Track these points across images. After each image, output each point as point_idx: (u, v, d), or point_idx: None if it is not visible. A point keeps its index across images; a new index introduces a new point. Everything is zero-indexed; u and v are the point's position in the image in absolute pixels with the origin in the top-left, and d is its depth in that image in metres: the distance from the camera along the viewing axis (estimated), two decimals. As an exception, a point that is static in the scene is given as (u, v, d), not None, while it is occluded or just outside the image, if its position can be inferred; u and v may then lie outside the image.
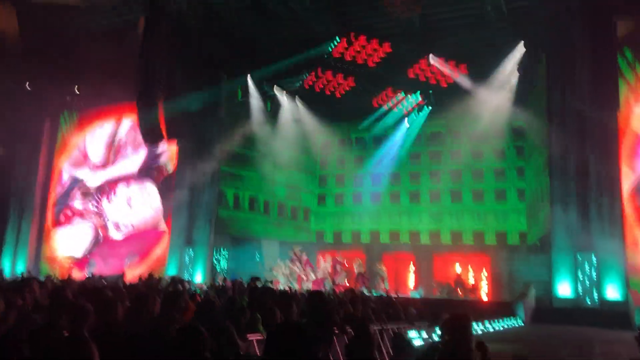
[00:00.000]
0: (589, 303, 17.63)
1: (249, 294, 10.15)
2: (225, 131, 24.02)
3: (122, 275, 19.49)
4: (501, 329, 15.68)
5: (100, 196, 26.45)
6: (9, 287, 7.29)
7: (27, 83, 27.22)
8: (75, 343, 4.10)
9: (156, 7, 20.19)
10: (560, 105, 19.12)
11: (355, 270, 23.67)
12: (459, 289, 22.51)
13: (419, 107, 26.94)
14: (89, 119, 27.61)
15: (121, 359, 4.40)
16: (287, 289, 17.28)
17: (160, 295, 5.45)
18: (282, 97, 26.43)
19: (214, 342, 4.61)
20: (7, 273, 24.70)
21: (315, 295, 6.12)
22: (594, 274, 17.70)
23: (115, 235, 25.66)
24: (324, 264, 23.60)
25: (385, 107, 27.03)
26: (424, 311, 15.71)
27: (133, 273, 22.54)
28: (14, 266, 25.90)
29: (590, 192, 18.14)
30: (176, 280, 14.01)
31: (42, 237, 27.16)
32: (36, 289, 6.46)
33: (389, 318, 12.17)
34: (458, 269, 23.76)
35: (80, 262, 25.72)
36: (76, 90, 27.60)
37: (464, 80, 23.14)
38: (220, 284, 16.40)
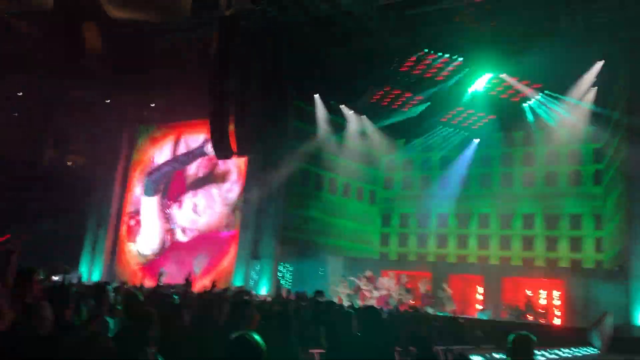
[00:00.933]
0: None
1: (312, 307, 10.18)
2: (293, 147, 24.46)
3: (190, 284, 19.97)
4: (574, 355, 14.96)
5: (168, 202, 27.46)
6: (87, 291, 7.64)
7: (108, 98, 28.73)
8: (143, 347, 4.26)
9: (229, 25, 20.79)
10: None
11: (421, 290, 23.24)
12: (529, 313, 21.67)
13: (490, 125, 26.30)
14: (164, 134, 28.78)
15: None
16: (348, 304, 17.18)
17: (226, 305, 5.58)
18: (349, 114, 26.54)
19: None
20: (85, 279, 25.95)
21: (369, 311, 6.07)
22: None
23: (182, 238, 26.50)
24: (388, 281, 23.32)
25: (453, 124, 26.68)
26: (491, 334, 15.25)
27: (201, 283, 23.11)
28: (91, 273, 27.15)
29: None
30: (243, 291, 14.23)
31: (116, 246, 28.40)
32: (109, 294, 6.76)
33: (454, 339, 11.88)
34: (529, 291, 22.86)
35: (150, 269, 26.67)
36: (152, 106, 28.88)
37: (536, 97, 22.49)
38: (285, 296, 16.53)
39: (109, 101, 28.82)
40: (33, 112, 29.38)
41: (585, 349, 16.04)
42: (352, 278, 23.37)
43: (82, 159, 32.53)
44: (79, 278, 20.94)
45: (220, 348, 4.84)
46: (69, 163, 32.64)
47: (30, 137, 29.77)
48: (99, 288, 6.47)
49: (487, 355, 10.81)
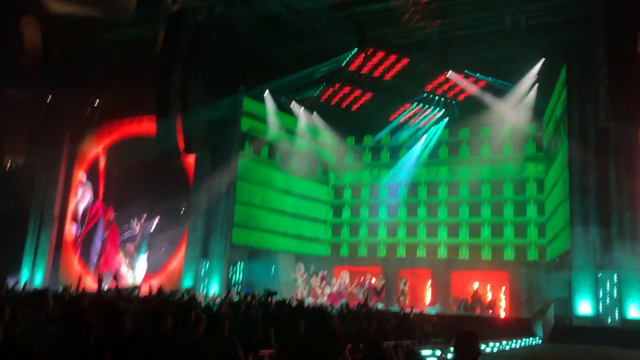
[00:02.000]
0: (610, 322, 17.26)
1: (263, 308, 10.11)
2: (242, 144, 24.26)
3: (137, 287, 19.55)
4: (519, 347, 15.43)
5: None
6: (25, 298, 7.32)
7: (48, 95, 27.70)
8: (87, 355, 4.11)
9: (175, 21, 20.41)
10: (580, 120, 18.92)
11: (378, 286, 23.38)
12: (476, 306, 22.24)
13: (437, 120, 26.83)
14: (108, 132, 27.99)
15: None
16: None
17: (172, 310, 5.44)
18: (299, 110, 26.55)
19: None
20: (24, 283, 24.96)
21: (316, 312, 6.05)
22: (615, 292, 17.36)
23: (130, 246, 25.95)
24: (341, 278, 23.44)
25: (401, 121, 27.10)
26: (440, 328, 15.54)
27: (150, 284, 22.66)
28: (33, 276, 26.17)
29: (612, 209, 17.86)
30: (188, 293, 13.98)
31: (60, 248, 27.43)
32: (50, 301, 6.47)
33: (403, 334, 12.02)
34: (476, 284, 23.46)
35: (94, 273, 25.97)
36: (96, 103, 28.04)
37: (482, 95, 23.08)
38: (234, 297, 16.36)
39: (49, 99, 27.80)
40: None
41: (530, 339, 16.58)
42: (301, 276, 23.35)
43: (21, 160, 31.29)
44: (17, 283, 20.12)
45: (165, 355, 4.72)
46: (8, 164, 31.34)
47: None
48: (38, 295, 6.20)
49: (437, 349, 11.00)
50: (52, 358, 4.20)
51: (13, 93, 27.64)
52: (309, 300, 21.24)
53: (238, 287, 22.67)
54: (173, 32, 20.41)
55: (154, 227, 25.59)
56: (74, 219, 27.85)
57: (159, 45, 21.42)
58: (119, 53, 24.24)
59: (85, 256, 26.93)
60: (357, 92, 25.22)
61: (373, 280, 24.08)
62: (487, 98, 23.09)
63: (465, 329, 4.43)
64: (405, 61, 22.29)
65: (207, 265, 22.84)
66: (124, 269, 25.72)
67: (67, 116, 28.22)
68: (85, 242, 27.23)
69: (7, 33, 26.03)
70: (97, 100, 27.82)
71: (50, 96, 27.90)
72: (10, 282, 15.06)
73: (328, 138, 27.87)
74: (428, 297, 24.77)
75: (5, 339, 4.48)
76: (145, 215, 25.70)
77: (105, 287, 14.13)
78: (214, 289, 22.09)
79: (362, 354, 7.85)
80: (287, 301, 11.89)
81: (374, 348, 7.22)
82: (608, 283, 17.48)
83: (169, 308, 6.02)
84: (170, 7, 21.13)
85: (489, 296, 23.45)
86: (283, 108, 25.90)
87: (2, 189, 27.05)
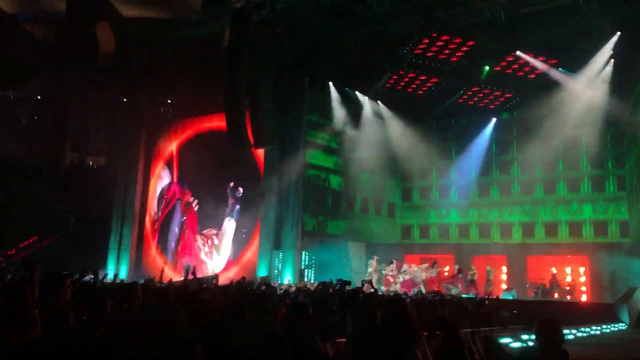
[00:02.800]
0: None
1: (338, 296, 10.25)
2: (310, 135, 24.56)
3: (216, 277, 20.25)
4: (603, 333, 14.86)
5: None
6: (117, 291, 7.78)
7: (125, 96, 28.99)
8: (177, 343, 4.36)
9: (240, 17, 20.82)
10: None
11: (471, 276, 22.91)
12: (555, 291, 21.54)
13: (508, 100, 26.03)
14: (182, 129, 29.00)
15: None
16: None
17: (249, 300, 5.66)
18: (364, 99, 26.49)
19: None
20: (111, 277, 26.39)
21: (392, 301, 6.11)
22: None
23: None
24: (417, 267, 23.19)
25: (470, 103, 26.48)
26: (518, 314, 15.22)
27: (227, 275, 23.41)
28: (118, 270, 27.63)
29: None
30: (265, 282, 14.34)
31: (142, 242, 28.83)
32: (140, 294, 6.86)
33: (480, 322, 11.88)
34: (553, 269, 22.69)
35: (176, 264, 27.09)
36: (169, 102, 29.13)
37: (555, 73, 22.19)
38: (308, 286, 16.65)
39: (125, 99, 29.09)
40: (52, 114, 29.79)
41: (614, 325, 15.93)
42: (375, 270, 23.30)
43: (102, 159, 32.99)
44: (105, 276, 21.32)
45: (247, 344, 4.94)
46: (90, 163, 33.12)
47: (51, 140, 30.20)
48: (129, 287, 6.60)
49: (515, 337, 10.80)
50: (142, 346, 4.49)
51: (92, 95, 29.13)
52: (382, 289, 21.27)
53: (310, 275, 23.08)
54: (239, 28, 20.83)
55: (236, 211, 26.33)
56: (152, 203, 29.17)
57: (225, 42, 21.92)
58: (188, 52, 25.00)
59: (163, 243, 28.15)
60: (423, 77, 24.81)
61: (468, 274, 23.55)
62: (560, 76, 22.18)
63: (546, 317, 4.38)
64: (471, 43, 21.72)
65: (280, 256, 23.34)
66: (203, 256, 26.63)
67: (143, 115, 29.53)
68: (163, 227, 28.42)
69: (84, 38, 27.40)
70: (170, 98, 28.86)
71: (125, 97, 29.19)
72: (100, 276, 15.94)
73: (394, 125, 27.66)
74: (504, 283, 24.21)
75: (105, 328, 4.80)
76: (232, 186, 26.45)
77: (186, 277, 14.75)
78: (287, 277, 22.55)
79: (439, 342, 7.86)
80: (362, 290, 11.98)
81: (451, 336, 7.21)
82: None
83: (248, 298, 6.26)
84: (235, 3, 21.59)
85: (568, 280, 22.63)
86: (348, 97, 25.91)
87: (87, 187, 28.64)
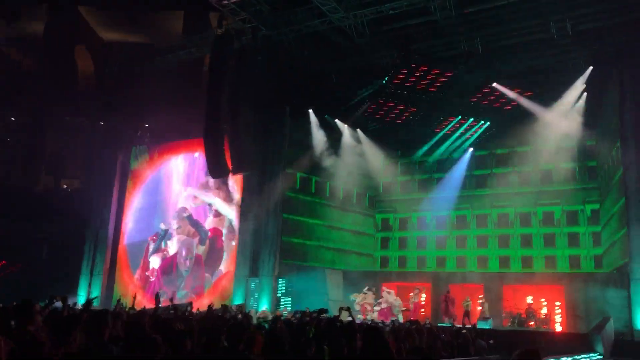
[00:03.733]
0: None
1: (315, 325, 10.12)
2: (289, 163, 24.56)
3: (190, 304, 19.89)
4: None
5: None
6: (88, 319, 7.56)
7: (101, 121, 28.77)
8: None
9: (221, 44, 20.96)
10: (634, 124, 18.37)
11: (464, 307, 22.72)
12: (530, 320, 21.59)
13: (484, 131, 26.47)
14: (159, 154, 28.78)
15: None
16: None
17: (228, 328, 5.55)
18: (344, 127, 26.65)
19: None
20: (82, 302, 25.75)
21: (370, 332, 6.06)
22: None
23: (182, 265, 26.48)
24: (392, 297, 23.06)
25: (447, 133, 26.85)
26: (495, 343, 15.19)
27: (202, 302, 23.02)
28: (89, 296, 27.01)
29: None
30: (241, 310, 14.10)
31: (114, 268, 28.26)
32: (110, 321, 6.69)
33: (457, 351, 11.83)
34: (529, 298, 22.79)
35: (148, 290, 26.59)
36: (145, 126, 28.94)
37: (530, 105, 22.66)
38: (285, 315, 16.45)
39: (102, 123, 28.86)
40: (26, 137, 29.43)
41: (589, 355, 15.99)
42: (353, 295, 23.15)
43: (77, 183, 32.55)
44: (75, 304, 20.83)
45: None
46: (64, 186, 32.65)
47: (24, 163, 29.78)
48: (99, 315, 6.42)
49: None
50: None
51: (69, 119, 28.89)
52: (359, 317, 21.10)
53: (287, 303, 22.82)
54: (219, 55, 20.95)
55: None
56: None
57: (206, 68, 22.04)
58: (168, 77, 25.05)
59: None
60: (401, 107, 25.13)
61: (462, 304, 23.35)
62: (535, 108, 22.65)
63: (527, 347, 4.35)
64: (449, 73, 22.13)
65: (256, 283, 23.08)
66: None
67: (120, 139, 29.24)
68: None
69: (62, 62, 27.29)
70: (148, 123, 28.71)
71: (102, 121, 28.97)
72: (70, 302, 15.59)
73: (373, 153, 27.84)
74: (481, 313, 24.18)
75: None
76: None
77: (160, 304, 14.44)
78: (264, 306, 22.27)
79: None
80: (339, 319, 11.86)
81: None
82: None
83: (224, 327, 6.14)
84: (216, 30, 21.76)
85: (544, 310, 22.73)
86: (327, 126, 26.05)
87: (60, 212, 28.16)
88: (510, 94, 22.50)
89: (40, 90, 25.65)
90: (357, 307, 22.42)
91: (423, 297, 24.24)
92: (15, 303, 4.99)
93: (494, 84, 22.06)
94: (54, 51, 25.69)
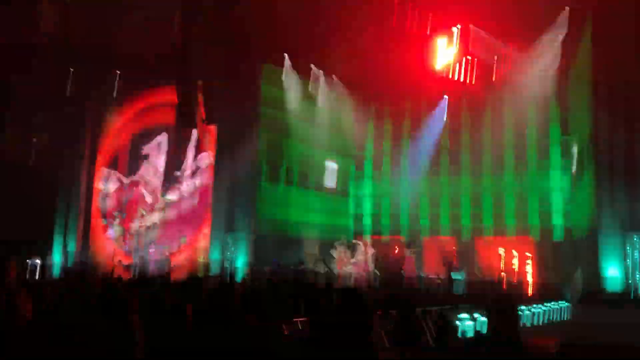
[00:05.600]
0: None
1: (293, 278, 10.23)
2: (264, 113, 24.09)
3: (168, 261, 19.90)
4: (547, 309, 15.41)
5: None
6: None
7: (70, 71, 27.68)
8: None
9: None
10: (607, 77, 18.46)
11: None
12: (502, 271, 22.17)
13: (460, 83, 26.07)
14: (130, 102, 27.85)
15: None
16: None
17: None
18: (319, 72, 26.03)
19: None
20: (58, 267, 25.37)
21: (348, 293, 6.10)
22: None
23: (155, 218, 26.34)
24: (366, 247, 23.26)
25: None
26: (468, 293, 15.60)
27: (178, 258, 23.02)
28: (66, 258, 26.60)
29: (637, 169, 17.58)
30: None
31: (88, 230, 27.71)
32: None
33: (432, 300, 12.09)
34: (501, 251, 23.33)
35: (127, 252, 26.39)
36: (118, 73, 27.83)
37: (505, 50, 22.38)
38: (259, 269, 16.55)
39: (72, 70, 27.70)
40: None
41: (558, 303, 16.55)
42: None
43: (45, 137, 31.56)
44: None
45: (203, 330, 4.80)
46: (34, 140, 31.62)
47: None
48: (75, 274, 6.35)
49: (467, 314, 11.04)
50: (93, 334, 4.31)
51: (37, 68, 27.73)
52: (336, 269, 21.32)
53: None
54: (192, 4, 20.27)
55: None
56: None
57: (178, 13, 21.32)
58: (139, 24, 24.09)
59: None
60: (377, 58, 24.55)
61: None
62: (510, 54, 22.35)
63: (498, 295, 4.41)
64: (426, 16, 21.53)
65: (233, 239, 22.99)
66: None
67: (89, 89, 28.20)
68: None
69: (24, 13, 26.12)
70: (118, 71, 27.68)
71: (73, 69, 27.84)
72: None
73: (347, 104, 27.31)
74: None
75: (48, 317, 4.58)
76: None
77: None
78: (241, 262, 22.31)
79: (394, 321, 7.93)
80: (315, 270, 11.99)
81: (407, 313, 7.29)
82: (637, 246, 17.29)
83: (205, 283, 6.12)
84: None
85: (515, 262, 23.34)
86: (303, 72, 25.45)
87: (28, 167, 27.35)
88: (486, 37, 22.18)
89: (5, 40, 24.56)
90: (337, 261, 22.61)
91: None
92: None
93: (471, 26, 21.71)
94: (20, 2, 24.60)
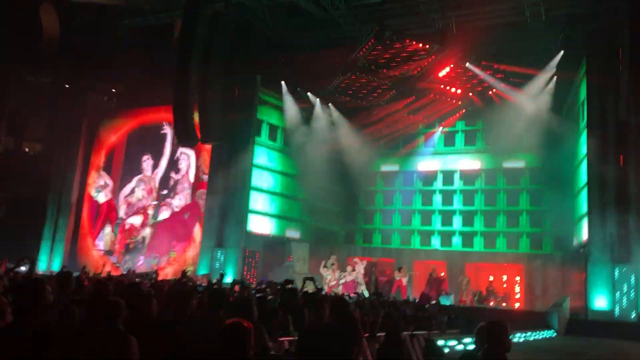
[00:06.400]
0: (629, 317, 17.13)
1: (281, 296, 10.17)
2: (259, 135, 24.37)
3: (156, 272, 19.79)
4: (534, 339, 15.40)
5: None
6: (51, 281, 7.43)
7: (66, 82, 27.87)
8: (114, 336, 4.18)
9: (193, 9, 20.44)
10: (600, 112, 18.75)
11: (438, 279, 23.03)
12: (490, 298, 22.19)
13: (455, 110, 26.55)
14: (125, 120, 28.16)
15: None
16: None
17: (197, 294, 5.51)
18: (315, 100, 26.48)
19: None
20: (44, 268, 25.33)
21: (337, 301, 6.14)
22: (632, 287, 17.25)
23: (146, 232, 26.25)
24: (359, 266, 23.24)
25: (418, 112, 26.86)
26: (456, 319, 15.57)
27: (166, 271, 22.91)
28: (51, 262, 26.52)
29: (630, 203, 17.71)
30: (237, 282, 13.87)
31: (77, 234, 27.74)
32: (73, 283, 6.56)
33: (419, 324, 12.05)
34: (491, 277, 23.40)
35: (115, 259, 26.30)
36: (113, 91, 28.20)
37: (501, 86, 22.88)
38: (249, 285, 16.46)
39: (67, 86, 27.97)
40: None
41: (544, 332, 16.54)
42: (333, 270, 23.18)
43: (38, 146, 31.61)
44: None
45: (193, 337, 4.79)
46: (26, 150, 31.69)
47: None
48: (63, 276, 6.30)
49: (454, 339, 11.01)
50: (78, 338, 4.28)
51: (32, 79, 27.90)
52: (324, 290, 21.25)
53: (253, 275, 22.84)
54: (191, 21, 20.44)
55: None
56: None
57: (177, 34, 21.49)
58: (138, 41, 24.39)
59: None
60: (374, 83, 24.98)
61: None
62: (506, 89, 22.88)
63: (495, 320, 4.41)
64: (423, 52, 22.05)
65: (223, 254, 22.99)
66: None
67: (86, 103, 28.44)
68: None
69: (26, 20, 26.26)
70: (115, 87, 27.96)
71: (68, 84, 28.07)
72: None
73: (343, 128, 27.73)
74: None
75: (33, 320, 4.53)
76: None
77: (125, 271, 14.32)
78: (229, 278, 22.19)
79: (381, 343, 7.91)
80: (304, 290, 11.94)
81: (393, 337, 7.27)
82: (625, 278, 17.35)
83: (194, 292, 6.09)
84: (188, -5, 21.17)
85: (504, 287, 23.42)
86: (299, 98, 25.85)
87: (21, 175, 27.36)
88: (482, 75, 22.64)
89: (1, 48, 24.65)
90: (327, 282, 22.55)
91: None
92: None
93: (467, 64, 22.14)
94: (19, 7, 24.70)
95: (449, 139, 27.63)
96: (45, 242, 27.20)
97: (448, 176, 27.35)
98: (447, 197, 27.25)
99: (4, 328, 3.64)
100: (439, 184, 27.52)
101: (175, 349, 4.58)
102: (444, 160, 27.52)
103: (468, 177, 26.93)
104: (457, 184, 27.08)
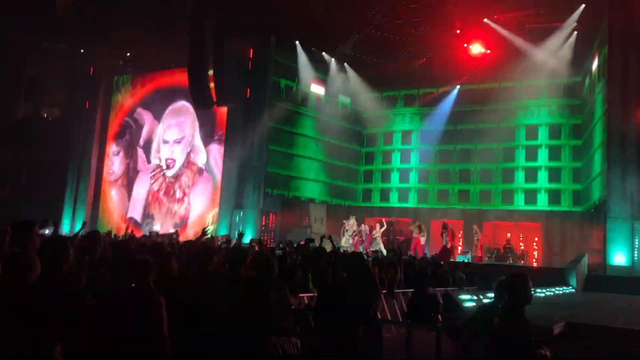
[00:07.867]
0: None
1: (301, 254, 10.33)
2: (275, 95, 24.26)
3: (176, 232, 20.10)
4: (552, 294, 15.47)
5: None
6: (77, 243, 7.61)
7: (81, 47, 27.88)
8: (143, 294, 4.29)
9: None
10: (622, 65, 18.33)
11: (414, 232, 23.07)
12: (508, 256, 22.24)
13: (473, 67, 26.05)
14: (142, 83, 28.16)
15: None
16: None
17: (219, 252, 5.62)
18: (331, 60, 26.22)
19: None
20: (67, 231, 25.86)
21: (355, 258, 6.24)
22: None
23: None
24: (377, 229, 23.35)
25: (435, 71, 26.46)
26: (472, 276, 15.69)
27: (185, 234, 23.26)
28: (73, 225, 27.05)
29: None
30: (227, 240, 14.18)
31: (98, 198, 28.18)
32: (101, 244, 6.71)
33: (436, 282, 12.17)
34: (508, 234, 23.40)
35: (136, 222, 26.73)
36: (127, 55, 28.13)
37: (519, 41, 22.39)
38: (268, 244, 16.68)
39: (82, 51, 27.98)
40: (4, 63, 28.51)
41: (562, 288, 16.60)
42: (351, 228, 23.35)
43: (57, 111, 31.90)
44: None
45: (215, 294, 4.91)
46: (45, 115, 32.01)
47: (2, 90, 28.98)
48: (91, 238, 6.44)
49: (472, 295, 11.13)
50: (106, 297, 4.40)
51: (47, 45, 27.93)
52: (342, 249, 21.45)
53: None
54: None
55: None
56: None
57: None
58: (152, 4, 24.14)
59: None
60: (391, 41, 24.58)
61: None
62: (525, 45, 22.40)
63: (515, 272, 4.46)
64: (437, 9, 21.52)
65: (241, 215, 23.26)
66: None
67: (101, 68, 28.48)
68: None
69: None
70: (130, 52, 27.89)
71: (83, 49, 28.05)
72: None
73: (359, 87, 27.55)
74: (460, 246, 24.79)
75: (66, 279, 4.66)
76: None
77: (147, 232, 14.57)
78: (248, 238, 22.49)
79: (411, 297, 8.04)
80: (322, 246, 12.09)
81: (421, 290, 7.39)
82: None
83: (216, 250, 6.22)
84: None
85: (522, 246, 23.43)
86: (314, 58, 25.58)
87: (41, 140, 27.70)
88: (502, 31, 22.14)
89: (17, 12, 24.62)
90: (348, 238, 22.73)
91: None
92: (12, 223, 4.89)
93: (485, 20, 21.66)
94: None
95: (465, 97, 27.22)
96: (67, 207, 27.73)
97: (466, 134, 27.04)
98: (464, 155, 27.07)
99: (35, 282, 3.74)
100: (456, 142, 27.29)
101: (197, 306, 4.70)
102: (462, 118, 27.18)
103: (486, 134, 26.61)
104: (475, 141, 26.82)
